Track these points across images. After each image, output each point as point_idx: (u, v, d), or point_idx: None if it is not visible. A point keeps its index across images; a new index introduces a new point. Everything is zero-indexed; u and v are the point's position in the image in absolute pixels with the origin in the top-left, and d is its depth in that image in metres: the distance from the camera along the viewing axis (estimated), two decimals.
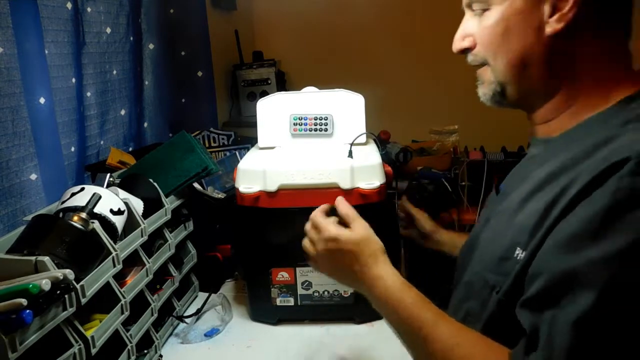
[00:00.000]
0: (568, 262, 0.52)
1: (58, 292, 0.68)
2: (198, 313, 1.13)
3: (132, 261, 0.95)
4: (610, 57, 0.63)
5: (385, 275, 0.74)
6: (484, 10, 0.67)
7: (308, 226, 0.85)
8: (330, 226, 0.80)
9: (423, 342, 0.65)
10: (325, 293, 1.09)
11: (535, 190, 0.63)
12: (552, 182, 0.61)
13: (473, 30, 0.69)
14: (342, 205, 0.84)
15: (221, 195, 1.29)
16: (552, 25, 0.62)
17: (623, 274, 0.49)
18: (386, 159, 1.45)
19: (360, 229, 0.79)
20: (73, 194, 0.87)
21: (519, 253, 0.61)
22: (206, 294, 1.17)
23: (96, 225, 0.82)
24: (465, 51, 0.71)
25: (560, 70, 0.65)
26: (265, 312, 1.12)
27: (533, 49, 0.64)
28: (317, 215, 0.84)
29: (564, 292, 0.52)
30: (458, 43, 0.71)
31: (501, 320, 0.63)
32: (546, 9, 0.61)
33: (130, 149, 1.52)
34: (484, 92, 0.71)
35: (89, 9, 1.31)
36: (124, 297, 0.86)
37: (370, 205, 1.01)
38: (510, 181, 0.77)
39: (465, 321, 0.68)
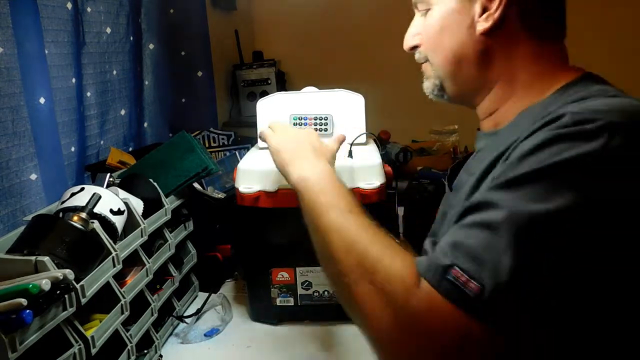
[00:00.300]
0: (484, 195, 0.53)
1: (58, 292, 0.68)
2: (198, 313, 1.13)
3: (132, 261, 0.95)
4: (544, 54, 0.66)
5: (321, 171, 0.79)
6: (427, 10, 0.71)
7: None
8: None
9: (326, 230, 0.67)
10: (325, 293, 1.09)
11: (482, 175, 0.64)
12: (496, 164, 0.62)
13: (420, 28, 0.73)
14: None
15: (221, 195, 1.29)
16: (482, 24, 0.65)
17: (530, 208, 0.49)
18: (386, 159, 1.45)
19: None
20: (73, 194, 0.87)
21: None
22: (206, 294, 1.17)
23: (96, 225, 0.82)
24: (414, 49, 0.75)
25: (495, 67, 0.67)
26: (265, 312, 1.12)
27: (466, 47, 0.67)
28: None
29: (470, 213, 0.53)
30: (408, 41, 0.76)
31: None
32: (477, 8, 0.65)
33: (130, 149, 1.52)
34: (427, 86, 0.75)
35: (89, 9, 1.31)
36: (124, 297, 0.86)
37: (370, 205, 1.01)
38: (462, 174, 0.78)
39: None
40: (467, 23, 0.66)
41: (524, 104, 0.66)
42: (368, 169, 1.02)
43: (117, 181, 1.06)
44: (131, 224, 0.95)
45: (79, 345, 0.74)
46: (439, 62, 0.71)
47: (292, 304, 1.10)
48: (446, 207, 0.78)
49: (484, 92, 0.70)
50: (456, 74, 0.70)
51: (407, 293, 0.54)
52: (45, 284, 0.64)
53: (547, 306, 0.49)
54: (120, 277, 0.90)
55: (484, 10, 0.65)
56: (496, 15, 0.64)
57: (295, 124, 1.17)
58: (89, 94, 1.33)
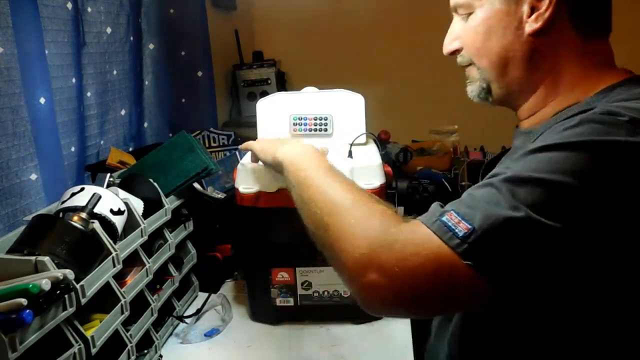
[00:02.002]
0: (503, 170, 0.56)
1: (58, 292, 0.68)
2: (198, 313, 1.13)
3: (132, 261, 0.95)
4: (590, 54, 0.66)
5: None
6: (469, 14, 0.70)
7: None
8: None
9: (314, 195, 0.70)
10: (325, 293, 1.09)
11: None
12: None
13: (460, 32, 0.73)
14: None
15: (221, 195, 1.29)
16: (531, 25, 0.64)
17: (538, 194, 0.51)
18: (386, 159, 1.45)
19: None
20: (73, 194, 0.86)
21: None
22: (206, 294, 1.17)
23: (96, 225, 0.82)
24: (455, 53, 0.74)
25: (541, 68, 0.67)
26: (265, 312, 1.12)
27: (513, 48, 0.67)
28: None
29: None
30: (447, 45, 0.75)
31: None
32: (525, 9, 0.64)
33: (130, 149, 1.52)
34: (472, 89, 0.75)
35: (89, 9, 1.31)
36: (124, 297, 0.86)
37: None
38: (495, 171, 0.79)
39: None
40: (515, 24, 0.65)
41: (566, 104, 0.66)
42: (368, 169, 1.02)
43: (117, 181, 1.06)
44: (131, 224, 0.94)
45: (79, 345, 0.74)
46: (485, 65, 0.70)
47: (292, 304, 1.10)
48: None
49: (529, 93, 0.70)
50: (503, 76, 0.69)
51: (388, 225, 0.57)
52: (45, 284, 0.64)
53: (532, 265, 0.50)
54: (120, 277, 0.90)
55: (533, 10, 0.64)
56: (546, 15, 0.63)
57: (295, 124, 1.18)
58: (89, 94, 1.32)
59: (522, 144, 0.70)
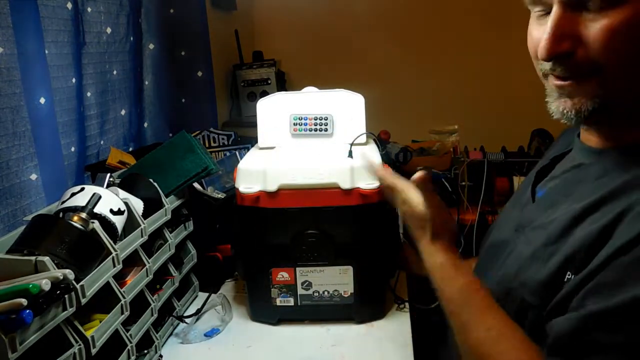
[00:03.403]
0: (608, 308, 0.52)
1: (58, 292, 0.68)
2: (198, 313, 1.13)
3: (132, 261, 0.95)
4: None
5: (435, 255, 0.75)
6: (612, 6, 0.54)
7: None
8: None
9: (465, 326, 0.67)
10: (325, 293, 1.09)
11: (587, 210, 0.59)
12: (607, 204, 0.57)
13: (579, 29, 0.56)
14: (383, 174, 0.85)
15: (221, 195, 1.29)
16: None
17: None
18: (386, 159, 1.45)
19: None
20: (73, 194, 0.87)
21: (569, 276, 0.58)
22: (206, 294, 1.17)
23: (96, 225, 0.82)
24: (560, 57, 0.58)
25: None
26: (265, 312, 1.12)
27: None
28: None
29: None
30: (555, 46, 0.57)
31: (539, 337, 0.61)
32: None
33: (130, 149, 1.52)
34: (578, 108, 0.59)
35: (89, 9, 1.31)
36: (124, 297, 0.86)
37: (370, 206, 1.01)
38: (552, 191, 0.72)
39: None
40: None
41: None
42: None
43: (117, 181, 1.06)
44: (131, 224, 0.95)
45: (79, 345, 0.74)
46: (624, 74, 0.56)
47: (292, 304, 1.10)
48: (523, 221, 0.72)
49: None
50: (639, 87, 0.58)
51: None
52: (45, 284, 0.64)
53: None
54: (120, 277, 0.90)
55: None
56: None
57: (295, 124, 1.18)
58: (89, 94, 1.33)
59: (591, 168, 0.65)
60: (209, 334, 1.07)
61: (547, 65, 0.60)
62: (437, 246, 0.75)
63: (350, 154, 1.06)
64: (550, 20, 0.57)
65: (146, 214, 1.00)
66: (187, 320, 1.10)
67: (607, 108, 0.58)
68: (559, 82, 0.60)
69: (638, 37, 0.54)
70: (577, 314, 0.54)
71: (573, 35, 0.56)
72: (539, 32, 0.60)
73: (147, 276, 0.97)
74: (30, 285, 0.63)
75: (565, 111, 0.60)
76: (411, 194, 0.79)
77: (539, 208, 0.70)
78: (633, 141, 0.61)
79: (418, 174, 0.79)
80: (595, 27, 0.55)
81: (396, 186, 0.81)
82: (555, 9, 0.57)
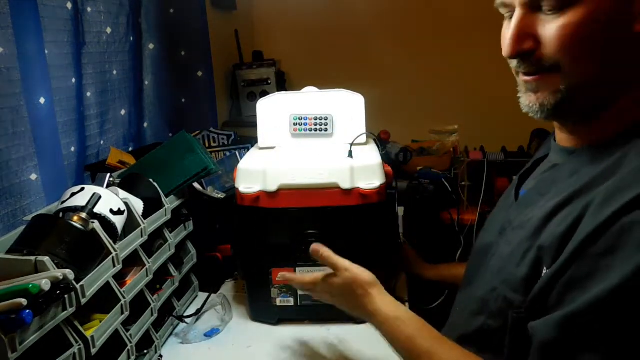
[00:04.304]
0: (578, 305, 0.53)
1: (58, 292, 0.68)
2: (198, 313, 1.13)
3: (132, 261, 0.95)
4: None
5: (377, 310, 0.79)
6: (563, 7, 0.57)
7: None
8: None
9: None
10: None
11: (559, 206, 0.61)
12: (576, 200, 0.59)
13: (537, 29, 0.60)
14: (322, 250, 0.87)
15: (221, 195, 1.29)
16: None
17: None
18: (386, 159, 1.45)
19: (347, 269, 0.84)
20: (73, 194, 0.86)
21: (545, 271, 0.59)
22: (206, 294, 1.17)
23: (96, 225, 0.82)
24: (523, 55, 0.62)
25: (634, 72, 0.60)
26: (265, 312, 1.12)
27: (620, 49, 0.58)
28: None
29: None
30: (517, 45, 0.61)
31: (522, 335, 0.62)
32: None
33: (130, 149, 1.52)
34: (542, 102, 0.63)
35: (89, 9, 1.31)
36: (124, 297, 0.86)
37: (370, 206, 1.01)
38: (530, 191, 0.73)
39: (479, 333, 0.69)
40: (626, 20, 0.57)
41: (616, 129, 0.61)
42: (368, 169, 1.02)
43: (117, 181, 1.06)
44: (131, 224, 0.95)
45: (79, 345, 0.74)
46: (582, 71, 0.59)
47: (292, 304, 1.10)
48: (505, 222, 0.73)
49: (608, 107, 0.62)
50: (600, 83, 0.60)
51: None
52: (45, 284, 0.64)
53: None
54: (120, 277, 0.90)
55: None
56: None
57: (295, 124, 1.18)
58: (89, 94, 1.33)
59: (565, 167, 0.66)
60: (209, 334, 1.07)
61: (514, 63, 0.64)
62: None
63: (350, 154, 1.06)
64: (513, 21, 0.62)
65: (146, 214, 1.00)
66: (187, 320, 1.10)
67: (569, 102, 0.61)
68: (525, 78, 0.64)
69: (590, 36, 0.57)
70: (557, 317, 0.55)
71: (533, 34, 0.61)
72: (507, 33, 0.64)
73: (147, 276, 0.97)
74: (30, 285, 0.63)
75: (530, 105, 0.64)
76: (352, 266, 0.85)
77: (519, 208, 0.72)
78: (603, 139, 0.63)
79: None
80: (550, 27, 0.59)
81: (337, 264, 0.85)
82: (517, 11, 0.61)
